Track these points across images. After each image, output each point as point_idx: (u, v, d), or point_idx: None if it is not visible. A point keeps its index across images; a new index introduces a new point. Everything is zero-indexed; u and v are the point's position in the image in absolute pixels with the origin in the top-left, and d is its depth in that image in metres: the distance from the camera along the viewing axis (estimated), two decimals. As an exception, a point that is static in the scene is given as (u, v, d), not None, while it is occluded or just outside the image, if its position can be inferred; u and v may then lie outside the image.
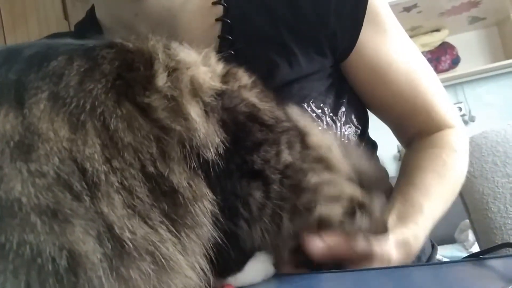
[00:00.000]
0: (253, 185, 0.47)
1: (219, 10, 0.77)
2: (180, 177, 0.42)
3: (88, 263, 0.34)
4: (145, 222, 0.39)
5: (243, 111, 0.50)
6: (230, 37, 0.75)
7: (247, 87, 0.54)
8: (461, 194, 1.04)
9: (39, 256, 0.33)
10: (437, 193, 0.73)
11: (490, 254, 0.43)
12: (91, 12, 0.84)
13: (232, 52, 0.71)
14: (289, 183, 0.49)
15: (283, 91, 0.71)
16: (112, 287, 0.35)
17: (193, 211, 0.42)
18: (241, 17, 0.76)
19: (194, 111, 0.45)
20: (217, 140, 0.45)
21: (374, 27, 0.77)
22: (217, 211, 0.44)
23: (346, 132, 0.79)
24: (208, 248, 0.44)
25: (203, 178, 0.44)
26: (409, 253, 0.63)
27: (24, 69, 0.40)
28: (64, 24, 2.17)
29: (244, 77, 0.55)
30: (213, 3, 0.76)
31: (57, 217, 0.34)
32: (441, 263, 0.47)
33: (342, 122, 0.78)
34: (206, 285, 0.44)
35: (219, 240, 0.44)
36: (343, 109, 0.79)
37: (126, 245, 0.37)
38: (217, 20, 0.76)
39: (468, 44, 3.06)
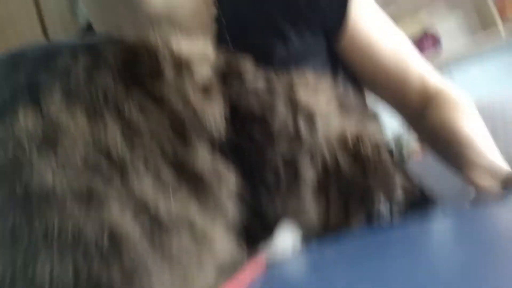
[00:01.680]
0: (262, 169, 0.50)
1: (213, 9, 0.80)
2: (203, 161, 0.43)
3: (130, 240, 0.35)
4: (176, 195, 0.40)
5: (239, 83, 0.52)
6: (226, 33, 0.78)
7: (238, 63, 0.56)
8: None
9: (82, 237, 0.34)
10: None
11: None
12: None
13: (230, 45, 0.74)
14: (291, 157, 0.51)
15: (281, 70, 0.74)
16: (156, 260, 0.36)
17: (218, 193, 0.43)
18: (234, 11, 0.79)
19: (199, 96, 0.47)
20: (223, 121, 0.47)
21: (361, 8, 0.83)
22: (241, 190, 0.46)
23: None
24: (235, 226, 0.45)
25: (221, 159, 0.46)
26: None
27: (32, 71, 0.42)
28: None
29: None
30: (206, 4, 0.79)
31: (92, 201, 0.36)
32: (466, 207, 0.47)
33: None
34: (241, 262, 0.45)
35: (245, 217, 0.46)
36: (340, 81, 0.82)
37: (163, 220, 0.38)
38: (212, 17, 0.79)
39: (448, 27, 3.11)
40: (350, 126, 0.61)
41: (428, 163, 0.99)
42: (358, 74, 0.89)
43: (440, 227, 0.48)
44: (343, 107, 0.64)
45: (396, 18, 0.91)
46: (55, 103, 0.39)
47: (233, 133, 0.48)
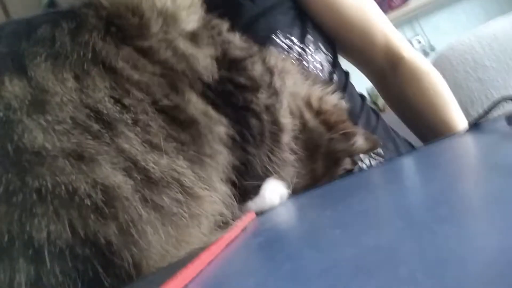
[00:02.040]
0: (247, 114, 0.51)
1: None
2: (195, 106, 0.44)
3: (122, 194, 0.36)
4: (164, 154, 0.40)
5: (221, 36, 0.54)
6: None
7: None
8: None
9: (75, 194, 0.34)
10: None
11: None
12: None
13: None
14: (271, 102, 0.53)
15: (251, 26, 0.75)
16: (149, 215, 0.37)
17: (211, 138, 0.44)
18: None
19: (188, 43, 0.47)
20: (214, 64, 0.49)
21: None
22: (234, 134, 0.47)
23: (317, 58, 0.83)
24: (229, 173, 0.46)
25: (212, 103, 0.47)
26: None
27: (13, 42, 0.41)
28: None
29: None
30: None
31: (83, 158, 0.36)
32: (437, 141, 0.49)
33: (311, 49, 0.83)
34: (233, 213, 0.46)
35: (238, 163, 0.47)
36: (310, 37, 0.84)
37: (152, 175, 0.38)
38: None
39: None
40: (313, 90, 0.65)
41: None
42: (326, 30, 0.89)
43: (409, 163, 0.49)
44: (306, 76, 0.68)
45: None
46: (41, 67, 0.38)
47: (221, 77, 0.49)
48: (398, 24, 2.89)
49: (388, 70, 0.89)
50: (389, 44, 0.87)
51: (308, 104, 0.62)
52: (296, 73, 0.66)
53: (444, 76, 1.08)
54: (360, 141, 0.63)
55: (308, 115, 0.61)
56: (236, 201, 0.47)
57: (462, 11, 3.11)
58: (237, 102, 0.50)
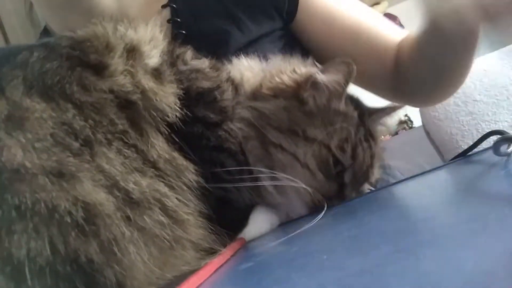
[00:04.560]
0: (222, 156, 0.50)
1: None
2: (159, 152, 0.43)
3: (104, 211, 0.36)
4: (144, 175, 0.40)
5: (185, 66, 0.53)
6: (179, 19, 0.78)
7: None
8: (431, 139, 1.10)
9: (56, 212, 0.34)
10: None
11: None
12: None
13: (185, 31, 0.75)
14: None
15: (239, 54, 0.75)
16: (132, 234, 0.37)
17: (177, 186, 0.43)
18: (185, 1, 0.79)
19: (149, 78, 0.47)
20: (178, 103, 0.47)
21: None
22: (202, 181, 0.45)
23: None
24: (201, 219, 0.45)
25: (178, 152, 0.46)
26: None
27: None
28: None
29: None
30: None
31: (63, 175, 0.35)
32: (426, 171, 0.49)
33: None
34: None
35: (211, 212, 0.46)
36: None
37: (133, 196, 0.38)
38: (163, 6, 0.79)
39: (409, 12, 3.17)
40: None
41: (394, 143, 1.00)
42: (320, 51, 0.86)
43: (397, 192, 0.50)
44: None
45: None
46: (18, 89, 0.39)
47: (190, 116, 0.47)
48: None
49: (395, 64, 0.83)
50: (395, 41, 0.83)
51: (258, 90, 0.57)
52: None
53: (435, 109, 1.10)
54: (319, 74, 0.55)
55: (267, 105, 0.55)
56: (223, 237, 0.46)
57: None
58: (208, 143, 0.49)
